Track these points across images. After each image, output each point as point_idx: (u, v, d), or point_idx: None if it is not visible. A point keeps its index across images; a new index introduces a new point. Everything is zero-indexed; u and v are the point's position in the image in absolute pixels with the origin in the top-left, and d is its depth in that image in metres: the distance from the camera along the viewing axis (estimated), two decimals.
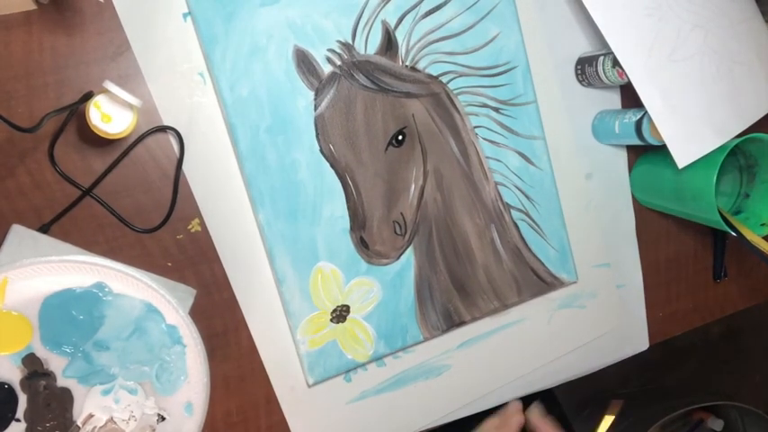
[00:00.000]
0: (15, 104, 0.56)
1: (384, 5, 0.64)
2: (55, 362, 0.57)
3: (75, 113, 0.57)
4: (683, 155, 0.68)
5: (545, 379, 0.78)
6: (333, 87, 0.64)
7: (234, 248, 0.63)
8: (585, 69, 0.72)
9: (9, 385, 0.56)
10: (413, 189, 0.67)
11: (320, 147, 0.64)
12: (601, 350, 0.80)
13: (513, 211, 0.71)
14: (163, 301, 0.59)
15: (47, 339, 0.56)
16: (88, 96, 0.55)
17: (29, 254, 0.56)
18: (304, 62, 0.63)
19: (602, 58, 0.69)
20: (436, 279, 0.69)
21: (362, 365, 0.69)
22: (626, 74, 0.66)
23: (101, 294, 0.57)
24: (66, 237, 0.58)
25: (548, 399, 0.78)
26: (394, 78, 0.65)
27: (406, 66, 0.66)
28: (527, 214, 0.72)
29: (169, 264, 0.62)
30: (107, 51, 0.58)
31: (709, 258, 0.85)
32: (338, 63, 0.63)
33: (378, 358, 0.69)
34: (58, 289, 0.56)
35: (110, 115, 0.54)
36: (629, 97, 0.76)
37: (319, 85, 0.63)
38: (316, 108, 0.63)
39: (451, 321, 0.70)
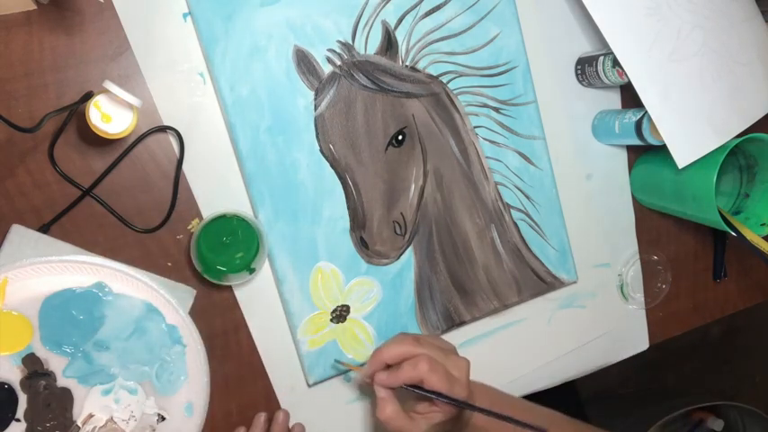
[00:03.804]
0: (15, 104, 0.56)
1: (384, 5, 0.64)
2: (55, 362, 0.57)
3: (75, 113, 0.57)
4: (683, 155, 0.68)
5: (545, 379, 0.78)
6: (333, 87, 0.64)
7: None
8: (585, 69, 0.72)
9: (9, 385, 0.56)
10: (413, 189, 0.67)
11: (320, 147, 0.64)
12: (601, 350, 0.80)
13: (513, 211, 0.71)
14: (163, 301, 0.59)
15: (47, 339, 0.56)
16: (88, 96, 0.55)
17: (29, 254, 0.56)
18: (304, 62, 0.63)
19: (602, 58, 0.69)
20: (436, 279, 0.69)
21: (363, 365, 0.69)
22: (626, 74, 0.66)
23: (101, 294, 0.57)
24: (66, 237, 0.58)
25: (567, 391, 0.77)
26: (394, 78, 0.65)
27: (406, 66, 0.66)
28: (527, 214, 0.72)
29: (169, 264, 0.62)
30: (107, 51, 0.58)
31: (710, 258, 0.85)
32: (338, 63, 0.63)
33: None
34: (58, 289, 0.56)
35: (110, 115, 0.54)
36: (629, 97, 0.76)
37: (319, 85, 0.63)
38: (316, 108, 0.63)
39: (451, 321, 0.70)
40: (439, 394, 0.57)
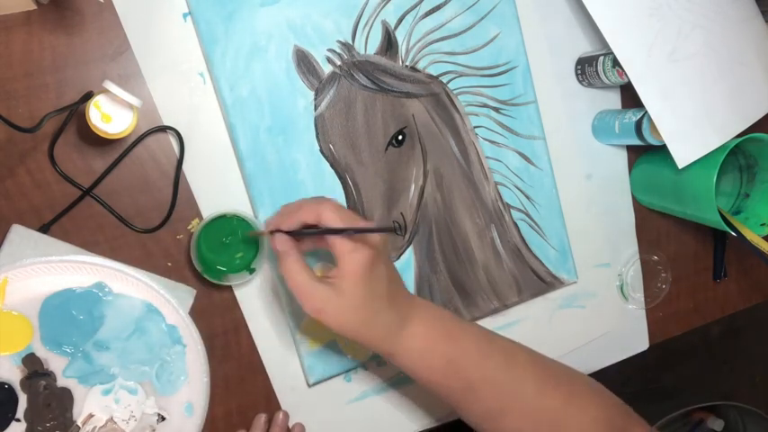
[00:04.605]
0: (15, 104, 0.56)
1: (384, 5, 0.64)
2: (55, 362, 0.57)
3: (75, 113, 0.57)
4: (683, 155, 0.68)
5: None
6: (333, 87, 0.64)
7: None
8: (585, 69, 0.72)
9: (9, 385, 0.56)
10: (413, 189, 0.67)
11: (320, 147, 0.64)
12: (601, 350, 0.80)
13: (513, 211, 0.71)
14: (163, 301, 0.59)
15: (47, 339, 0.56)
16: (88, 96, 0.55)
17: (29, 254, 0.56)
18: (304, 62, 0.63)
19: (602, 58, 0.69)
20: (436, 279, 0.69)
21: (363, 365, 0.69)
22: (626, 74, 0.66)
23: (101, 294, 0.57)
24: (66, 237, 0.58)
25: None
26: (394, 78, 0.65)
27: (406, 66, 0.66)
28: (527, 214, 0.72)
29: (169, 264, 0.62)
30: (107, 51, 0.58)
31: (710, 258, 0.85)
32: (338, 63, 0.63)
33: (378, 358, 0.69)
34: (57, 289, 0.56)
35: (110, 115, 0.54)
36: (629, 97, 0.76)
37: (319, 85, 0.63)
38: (316, 108, 0.63)
39: None
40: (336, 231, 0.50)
